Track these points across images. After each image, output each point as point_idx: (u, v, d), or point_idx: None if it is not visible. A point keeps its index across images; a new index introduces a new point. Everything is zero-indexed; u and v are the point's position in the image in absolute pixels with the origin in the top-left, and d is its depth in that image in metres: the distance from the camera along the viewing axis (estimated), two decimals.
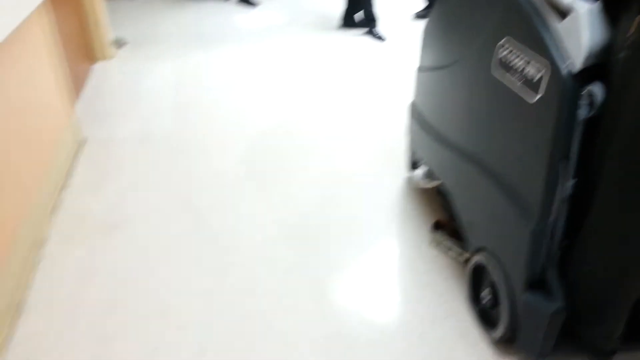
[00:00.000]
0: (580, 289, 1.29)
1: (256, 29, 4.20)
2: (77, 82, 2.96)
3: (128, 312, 1.63)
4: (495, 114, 1.44)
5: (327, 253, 1.91)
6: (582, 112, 1.14)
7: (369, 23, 4.03)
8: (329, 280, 1.78)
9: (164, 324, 1.59)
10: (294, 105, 3.01)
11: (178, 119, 2.85)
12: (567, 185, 1.21)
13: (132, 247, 1.90)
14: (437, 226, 1.95)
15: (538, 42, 1.21)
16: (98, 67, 3.43)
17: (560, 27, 1.17)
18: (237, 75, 3.39)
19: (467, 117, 1.62)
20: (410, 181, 2.22)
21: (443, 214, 2.00)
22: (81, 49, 3.25)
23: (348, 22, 4.14)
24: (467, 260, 1.67)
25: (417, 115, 2.02)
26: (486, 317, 1.58)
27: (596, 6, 1.12)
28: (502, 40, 1.35)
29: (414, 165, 2.13)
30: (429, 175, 1.97)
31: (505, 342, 1.51)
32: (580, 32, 1.12)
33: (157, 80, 3.31)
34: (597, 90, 1.12)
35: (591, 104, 1.13)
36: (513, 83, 1.32)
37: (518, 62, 1.29)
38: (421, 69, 2.00)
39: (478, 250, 1.58)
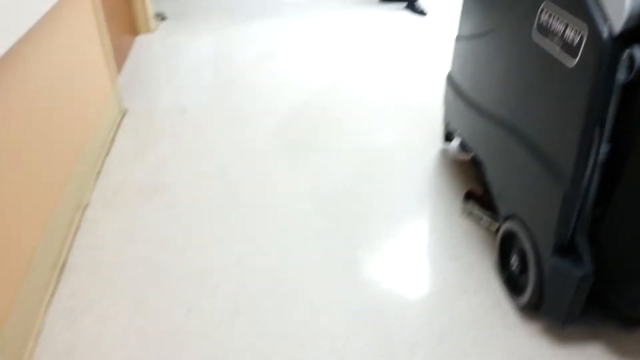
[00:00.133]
0: (611, 255, 1.27)
1: (296, 3, 4.18)
2: (119, 54, 3.04)
3: (165, 274, 1.69)
4: (532, 80, 1.41)
5: (359, 223, 1.92)
6: (621, 76, 1.11)
7: None
8: (359, 249, 1.80)
9: (199, 286, 1.65)
10: (331, 79, 3.01)
11: (216, 91, 2.90)
12: (602, 150, 1.18)
13: (170, 213, 1.96)
14: (469, 196, 1.94)
15: (577, 5, 1.18)
16: (140, 40, 3.51)
17: None
18: (276, 49, 3.40)
19: (503, 84, 1.60)
20: (444, 153, 2.20)
21: (476, 186, 1.98)
22: (124, 21, 3.32)
23: None
24: (497, 230, 1.66)
25: (453, 86, 2.00)
26: (513, 284, 1.58)
27: None
28: (542, 5, 1.32)
29: (449, 137, 2.12)
30: (463, 146, 1.96)
31: (531, 309, 1.51)
32: None
33: (196, 53, 3.36)
34: (637, 53, 1.08)
35: (631, 67, 1.09)
36: (552, 48, 1.29)
37: (558, 26, 1.26)
38: (459, 38, 1.97)
39: (508, 217, 1.57)
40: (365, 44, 3.45)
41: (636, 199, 1.19)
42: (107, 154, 2.31)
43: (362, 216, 1.95)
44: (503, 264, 1.64)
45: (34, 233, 1.58)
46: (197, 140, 2.44)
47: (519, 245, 1.51)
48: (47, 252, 1.64)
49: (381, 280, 1.68)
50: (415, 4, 3.92)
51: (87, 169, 2.10)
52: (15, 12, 1.48)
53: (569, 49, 1.22)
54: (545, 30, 1.32)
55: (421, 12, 3.86)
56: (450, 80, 2.04)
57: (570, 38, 1.21)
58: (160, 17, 3.81)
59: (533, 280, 1.43)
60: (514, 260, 1.56)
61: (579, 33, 1.17)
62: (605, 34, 1.10)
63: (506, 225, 1.58)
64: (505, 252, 1.62)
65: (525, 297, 1.48)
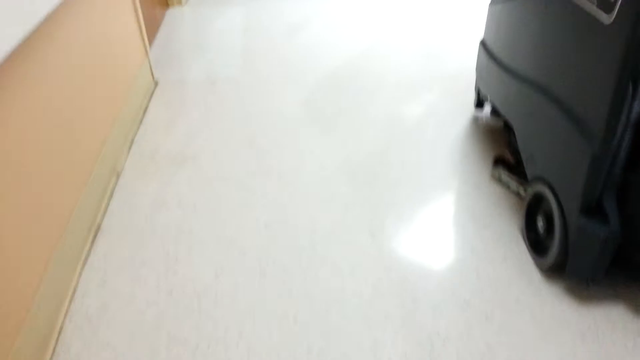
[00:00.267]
0: (638, 217, 1.24)
1: None
2: (151, 27, 3.08)
3: (194, 239, 1.73)
4: (567, 39, 1.39)
5: (387, 191, 1.92)
6: None
7: None
8: (387, 217, 1.80)
9: (227, 250, 1.68)
10: (362, 48, 2.98)
11: (245, 62, 2.91)
12: (633, 109, 1.15)
13: (200, 180, 2.00)
14: (498, 162, 1.92)
15: None
16: (171, 13, 3.54)
17: None
18: (306, 20, 3.38)
19: (537, 45, 1.57)
20: (475, 121, 2.17)
21: (506, 153, 1.96)
22: None
23: None
24: (525, 196, 1.65)
25: (487, 51, 1.98)
26: (539, 246, 1.58)
27: None
28: None
29: (480, 103, 2.10)
30: (494, 112, 1.93)
31: (555, 271, 1.51)
32: None
33: (226, 25, 3.37)
34: None
35: None
36: (588, 5, 1.25)
37: None
38: (494, 2, 1.94)
39: (536, 180, 1.57)
40: (396, 12, 3.39)
41: None
42: (140, 123, 2.36)
43: (391, 184, 1.95)
44: (529, 227, 1.64)
45: (71, 197, 1.63)
46: (227, 110, 2.46)
47: (546, 207, 1.50)
48: (83, 215, 1.70)
49: (407, 247, 1.68)
50: None
51: (121, 137, 2.14)
52: None
53: (605, 5, 1.18)
54: None
55: None
56: (484, 45, 2.02)
57: None
58: None
59: (558, 240, 1.42)
60: (541, 223, 1.55)
61: None
62: None
63: (534, 188, 1.57)
64: (532, 215, 1.62)
65: (550, 257, 1.47)
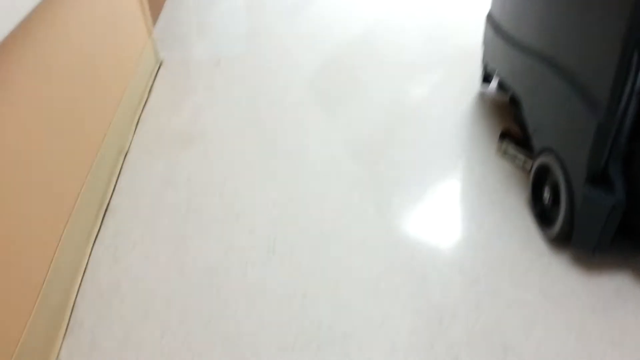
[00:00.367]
0: None
1: None
2: (155, 6, 3.05)
3: (203, 216, 1.74)
4: (573, 7, 1.38)
5: (394, 169, 1.91)
6: None
7: None
8: (394, 194, 1.80)
9: (237, 227, 1.69)
10: (366, 27, 2.95)
11: (250, 42, 2.89)
12: (639, 78, 1.15)
13: (207, 159, 2.00)
14: (504, 135, 1.92)
15: None
16: None
17: None
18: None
19: (543, 15, 1.57)
20: (482, 97, 2.16)
21: (513, 127, 1.95)
22: None
23: None
24: (532, 168, 1.67)
25: (493, 25, 1.98)
26: (545, 217, 1.60)
27: None
28: None
29: (487, 78, 2.10)
30: (501, 86, 1.94)
31: (561, 241, 1.52)
32: None
33: (230, 4, 3.34)
34: None
35: None
36: None
37: None
38: None
39: (542, 151, 1.58)
40: None
41: None
42: (145, 102, 2.35)
43: (397, 162, 1.95)
44: (535, 198, 1.65)
45: (79, 176, 1.64)
46: (232, 90, 2.45)
47: (552, 178, 1.51)
48: (92, 194, 1.70)
49: (415, 224, 1.68)
50: None
51: (127, 116, 2.14)
52: None
53: None
54: None
55: None
56: (490, 19, 2.01)
57: None
58: None
59: (564, 210, 1.43)
60: (547, 194, 1.57)
61: None
62: None
63: (540, 160, 1.58)
64: (538, 186, 1.63)
65: (556, 227, 1.49)
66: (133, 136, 2.14)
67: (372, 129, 2.13)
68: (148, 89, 2.44)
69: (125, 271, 1.55)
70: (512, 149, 1.85)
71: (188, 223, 1.71)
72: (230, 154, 2.02)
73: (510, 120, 2.03)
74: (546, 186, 1.57)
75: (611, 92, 1.20)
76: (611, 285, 1.44)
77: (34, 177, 1.35)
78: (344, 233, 1.65)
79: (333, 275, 1.51)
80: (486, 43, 2.10)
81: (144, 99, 2.36)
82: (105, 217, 1.75)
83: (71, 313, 1.43)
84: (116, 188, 1.87)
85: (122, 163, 1.99)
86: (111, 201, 1.82)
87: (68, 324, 1.40)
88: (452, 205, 1.75)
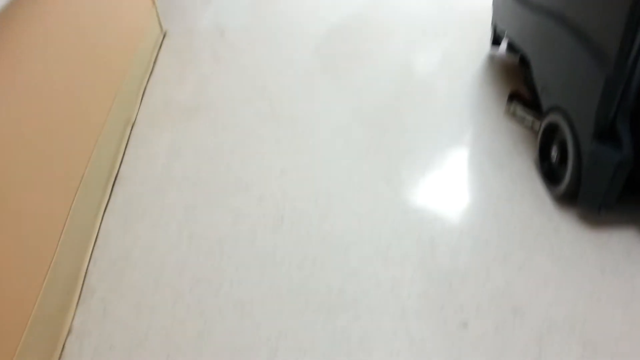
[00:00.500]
0: None
1: None
2: None
3: (211, 186, 1.74)
4: None
5: (402, 136, 1.90)
6: None
7: None
8: (402, 161, 1.79)
9: (245, 196, 1.69)
10: None
11: (254, 11, 2.85)
12: None
13: (214, 129, 1.99)
14: (513, 96, 1.90)
15: None
16: None
17: None
18: None
19: None
20: (491, 60, 2.13)
21: (522, 89, 1.93)
22: None
23: None
24: (540, 128, 1.66)
25: None
26: (552, 175, 1.60)
27: None
28: None
29: (496, 40, 2.09)
30: (511, 48, 1.92)
31: (568, 198, 1.52)
32: None
33: None
34: None
35: None
36: None
37: None
38: None
39: (550, 110, 1.57)
40: None
41: None
42: (150, 73, 2.34)
43: (406, 128, 1.93)
44: (543, 157, 1.66)
45: (87, 146, 1.64)
46: (237, 60, 2.43)
47: (560, 136, 1.51)
48: (101, 164, 1.71)
49: (424, 189, 1.68)
50: None
51: (133, 88, 2.13)
52: None
53: None
54: None
55: None
56: None
57: None
58: None
59: (572, 167, 1.43)
60: (554, 152, 1.57)
61: None
62: None
63: (548, 118, 1.57)
64: (546, 145, 1.63)
65: (564, 185, 1.49)
66: (139, 107, 2.13)
67: (380, 96, 2.11)
68: (153, 60, 2.42)
69: (136, 240, 1.56)
70: (520, 110, 1.84)
71: (196, 193, 1.71)
72: (236, 125, 2.01)
73: (519, 82, 2.00)
74: (554, 145, 1.57)
75: (620, 45, 1.18)
76: (620, 247, 1.43)
77: (42, 149, 1.35)
78: (352, 200, 1.65)
79: (342, 242, 1.51)
80: (496, 4, 2.09)
81: (149, 70, 2.35)
82: (115, 188, 1.75)
83: (83, 282, 1.45)
84: (124, 159, 1.87)
85: (130, 134, 1.98)
86: (119, 172, 1.82)
87: (81, 293, 1.42)
88: (461, 169, 1.74)
